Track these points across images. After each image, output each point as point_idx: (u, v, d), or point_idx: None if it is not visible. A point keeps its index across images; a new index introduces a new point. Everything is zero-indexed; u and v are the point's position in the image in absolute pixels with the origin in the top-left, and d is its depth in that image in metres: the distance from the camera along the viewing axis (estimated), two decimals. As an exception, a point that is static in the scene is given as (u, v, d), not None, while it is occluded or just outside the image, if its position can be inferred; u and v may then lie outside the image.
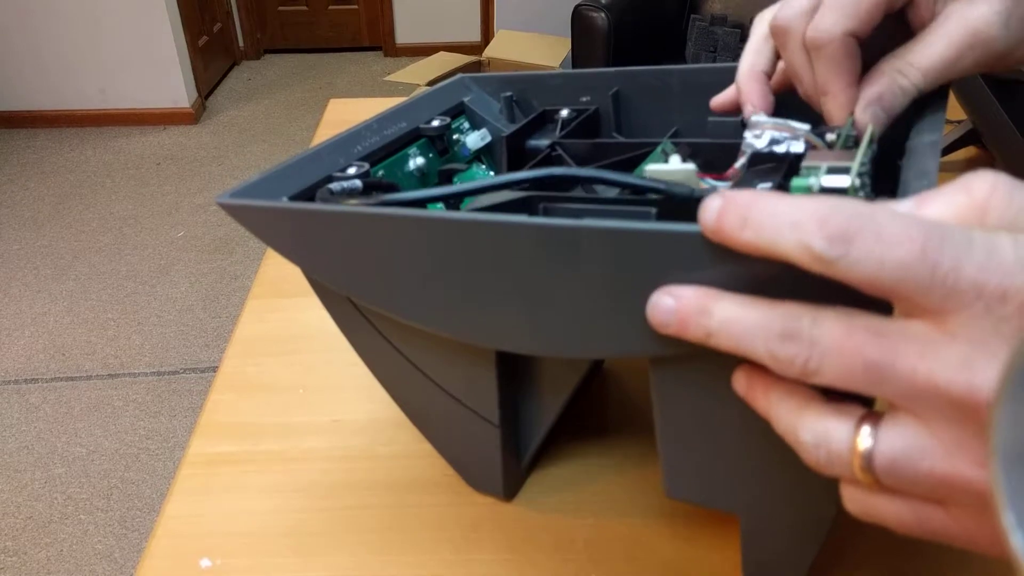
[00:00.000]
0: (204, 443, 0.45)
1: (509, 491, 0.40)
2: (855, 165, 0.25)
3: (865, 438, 0.19)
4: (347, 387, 0.48)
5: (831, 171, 0.25)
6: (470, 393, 0.36)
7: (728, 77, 0.36)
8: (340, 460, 0.43)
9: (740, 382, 0.24)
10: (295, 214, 0.31)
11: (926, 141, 0.27)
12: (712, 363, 0.27)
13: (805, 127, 0.30)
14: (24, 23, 2.91)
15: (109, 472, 1.57)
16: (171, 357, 1.88)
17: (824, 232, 0.18)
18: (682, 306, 0.22)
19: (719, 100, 0.37)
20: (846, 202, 0.19)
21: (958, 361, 0.17)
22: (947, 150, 0.72)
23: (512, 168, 0.40)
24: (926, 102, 0.30)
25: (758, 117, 0.31)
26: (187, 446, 0.45)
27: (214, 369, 1.81)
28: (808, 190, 0.25)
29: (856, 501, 0.20)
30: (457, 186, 0.32)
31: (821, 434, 0.20)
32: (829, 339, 0.19)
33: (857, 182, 0.25)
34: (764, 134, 0.30)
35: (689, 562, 0.37)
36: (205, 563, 0.38)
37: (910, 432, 0.18)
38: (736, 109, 0.36)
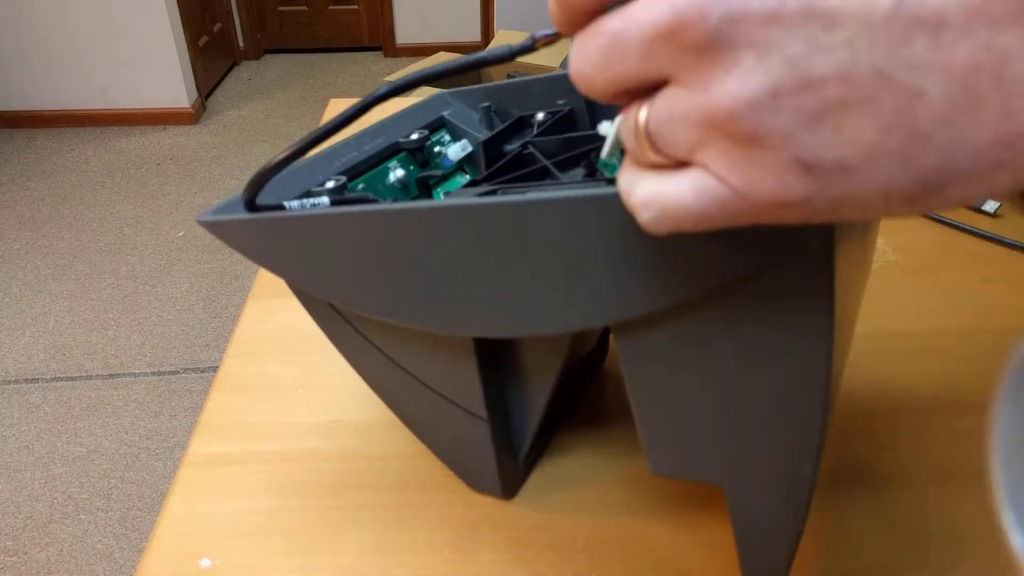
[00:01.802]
0: (204, 443, 0.45)
1: (508, 491, 0.40)
2: None
3: (644, 110, 0.20)
4: (347, 387, 0.48)
5: None
6: (455, 388, 0.36)
7: None
8: (340, 460, 0.43)
9: None
10: (262, 224, 0.32)
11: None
12: (673, 327, 0.27)
13: None
14: (24, 23, 2.91)
15: (109, 472, 1.57)
16: (171, 357, 1.88)
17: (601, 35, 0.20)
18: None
19: None
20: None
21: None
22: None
23: (490, 172, 0.40)
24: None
25: None
26: (187, 446, 0.45)
27: (214, 369, 1.81)
28: None
29: (648, 197, 0.21)
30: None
31: (630, 121, 0.21)
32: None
33: None
34: None
35: (689, 561, 0.37)
36: (205, 563, 0.38)
37: (669, 91, 0.19)
38: None
